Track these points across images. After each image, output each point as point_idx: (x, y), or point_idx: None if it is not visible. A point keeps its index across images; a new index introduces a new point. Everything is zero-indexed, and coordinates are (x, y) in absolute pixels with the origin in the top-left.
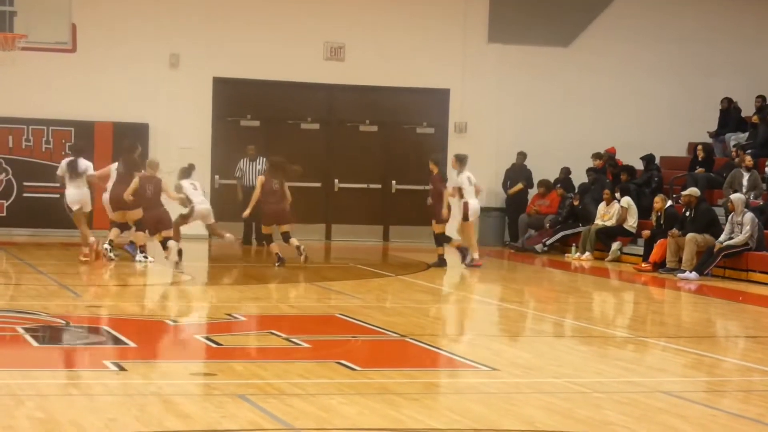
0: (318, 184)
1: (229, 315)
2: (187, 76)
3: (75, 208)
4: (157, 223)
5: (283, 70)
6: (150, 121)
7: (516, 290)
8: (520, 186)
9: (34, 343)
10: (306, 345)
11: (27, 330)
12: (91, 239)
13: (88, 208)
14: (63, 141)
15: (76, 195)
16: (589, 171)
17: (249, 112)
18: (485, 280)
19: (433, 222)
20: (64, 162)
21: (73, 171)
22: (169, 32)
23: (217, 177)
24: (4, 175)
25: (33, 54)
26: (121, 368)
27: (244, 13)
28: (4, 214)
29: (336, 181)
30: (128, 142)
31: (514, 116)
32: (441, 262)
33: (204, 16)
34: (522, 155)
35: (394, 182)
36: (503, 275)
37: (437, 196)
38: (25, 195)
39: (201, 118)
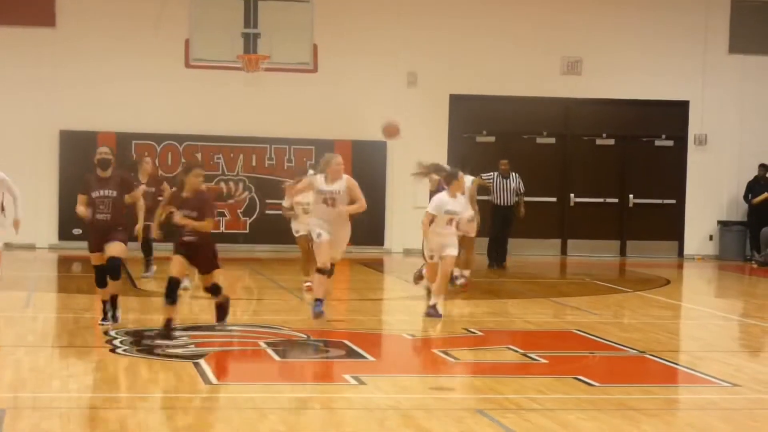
0: (553, 199)
1: (467, 330)
2: (424, 94)
3: None
4: None
5: (519, 85)
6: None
7: (758, 305)
8: (765, 195)
9: (276, 357)
10: (543, 360)
11: (269, 344)
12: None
13: None
14: (304, 159)
15: None
16: None
17: (484, 127)
18: (725, 296)
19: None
20: None
21: None
22: (407, 51)
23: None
24: (247, 193)
25: (275, 75)
26: (361, 382)
27: (479, 30)
28: (247, 231)
29: (572, 195)
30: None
31: (757, 127)
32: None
33: (441, 34)
34: (764, 167)
35: (631, 196)
36: (744, 290)
37: None
38: (267, 212)
39: (437, 134)
